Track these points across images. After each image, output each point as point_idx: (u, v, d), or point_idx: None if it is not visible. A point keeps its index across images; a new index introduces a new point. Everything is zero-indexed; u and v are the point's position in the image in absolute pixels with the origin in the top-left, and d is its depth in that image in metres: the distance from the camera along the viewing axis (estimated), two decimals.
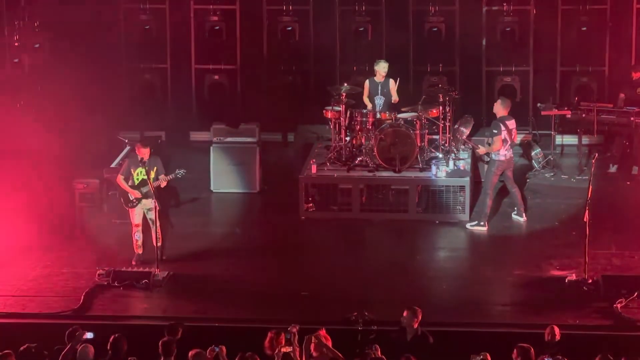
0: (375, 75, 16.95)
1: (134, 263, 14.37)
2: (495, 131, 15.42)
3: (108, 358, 11.00)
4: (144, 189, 14.30)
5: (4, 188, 15.55)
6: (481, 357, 10.66)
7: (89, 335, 11.13)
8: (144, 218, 14.49)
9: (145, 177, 14.27)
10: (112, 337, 11.07)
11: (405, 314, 11.65)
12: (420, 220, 16.01)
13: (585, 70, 19.35)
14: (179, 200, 16.78)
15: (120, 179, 14.46)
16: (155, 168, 14.34)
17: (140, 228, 14.49)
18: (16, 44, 18.08)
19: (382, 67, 16.82)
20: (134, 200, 14.39)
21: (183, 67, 19.97)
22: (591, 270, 13.68)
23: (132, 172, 14.35)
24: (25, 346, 10.97)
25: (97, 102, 18.89)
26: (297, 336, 10.95)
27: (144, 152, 14.26)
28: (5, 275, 14.22)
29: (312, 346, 10.73)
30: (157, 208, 14.07)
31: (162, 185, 14.42)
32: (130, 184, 14.38)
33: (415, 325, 11.59)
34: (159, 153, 16.77)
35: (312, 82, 19.81)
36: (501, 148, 15.44)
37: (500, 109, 15.63)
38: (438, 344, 11.54)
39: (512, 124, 15.61)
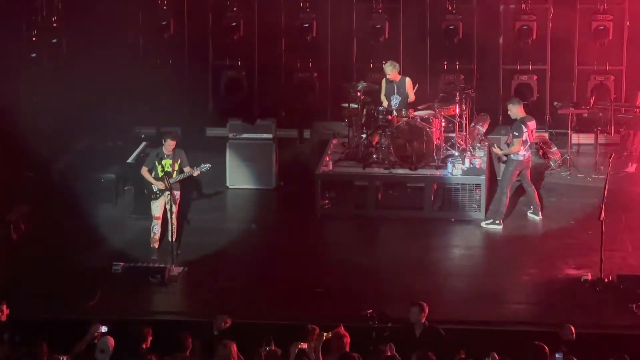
0: None
1: (154, 258, 14.39)
2: (516, 133, 15.34)
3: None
4: (171, 180, 14.35)
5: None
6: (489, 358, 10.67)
7: (103, 328, 11.20)
8: (164, 211, 14.50)
9: (170, 169, 14.36)
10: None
11: (412, 309, 11.65)
12: (435, 218, 16.00)
13: (602, 69, 19.29)
14: (196, 195, 16.82)
15: (144, 170, 14.55)
16: (179, 160, 14.43)
17: (159, 221, 14.51)
18: (34, 39, 18.13)
19: (387, 71, 16.67)
20: (158, 192, 14.42)
21: (200, 62, 19.98)
22: (607, 269, 13.63)
23: (157, 165, 14.40)
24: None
25: (114, 97, 18.94)
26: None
27: (171, 145, 14.36)
28: (23, 271, 14.26)
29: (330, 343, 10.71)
30: (179, 200, 14.21)
31: (195, 175, 14.50)
32: (153, 175, 14.43)
33: (423, 320, 11.59)
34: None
35: (329, 79, 19.80)
36: (520, 149, 15.40)
37: (518, 110, 15.55)
38: (451, 342, 11.53)
39: (532, 124, 15.57)
